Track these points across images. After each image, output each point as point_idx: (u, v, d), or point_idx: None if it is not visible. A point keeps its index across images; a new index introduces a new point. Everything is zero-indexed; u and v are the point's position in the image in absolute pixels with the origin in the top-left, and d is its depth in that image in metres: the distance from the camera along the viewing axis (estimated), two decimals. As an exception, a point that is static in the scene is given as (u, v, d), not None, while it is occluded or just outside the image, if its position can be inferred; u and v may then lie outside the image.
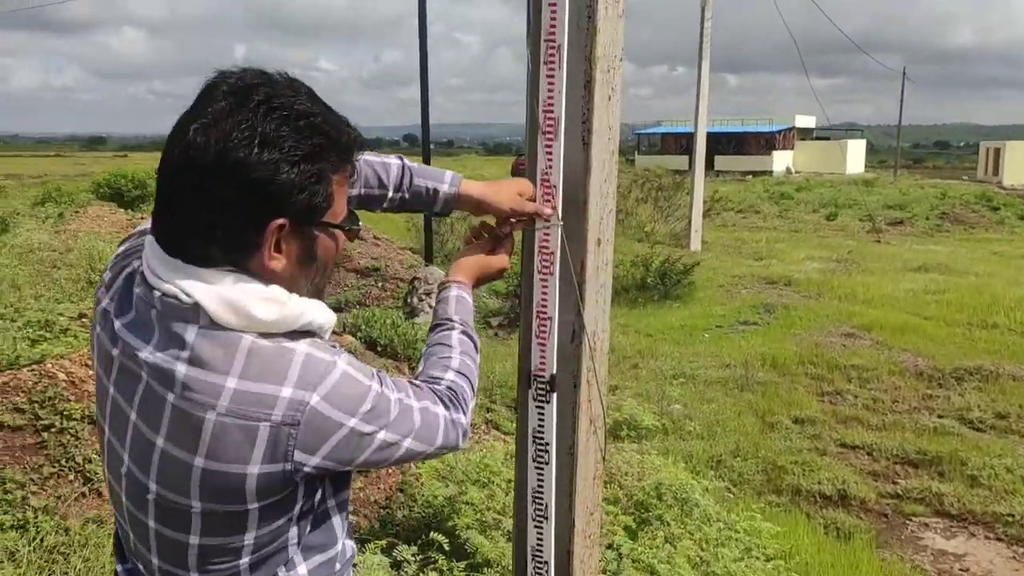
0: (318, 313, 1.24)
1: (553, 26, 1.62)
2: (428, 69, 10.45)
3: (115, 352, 1.22)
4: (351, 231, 1.30)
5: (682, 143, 48.55)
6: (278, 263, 1.18)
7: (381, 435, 1.22)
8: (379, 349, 7.17)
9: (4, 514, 3.66)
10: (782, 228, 23.03)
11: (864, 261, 16.22)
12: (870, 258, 16.69)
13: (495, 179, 1.79)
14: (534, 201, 1.69)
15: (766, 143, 53.58)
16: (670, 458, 6.15)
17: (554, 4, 1.61)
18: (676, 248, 16.20)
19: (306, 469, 1.16)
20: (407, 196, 1.63)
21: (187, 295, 1.14)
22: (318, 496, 1.27)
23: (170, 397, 1.14)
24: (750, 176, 44.74)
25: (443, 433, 1.34)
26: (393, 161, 1.63)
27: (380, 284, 10.42)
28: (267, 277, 1.19)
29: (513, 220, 1.66)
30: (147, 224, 1.38)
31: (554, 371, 1.75)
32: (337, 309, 9.24)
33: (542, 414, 1.78)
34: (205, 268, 1.16)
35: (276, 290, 1.19)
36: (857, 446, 6.63)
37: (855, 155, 54.66)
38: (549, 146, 1.66)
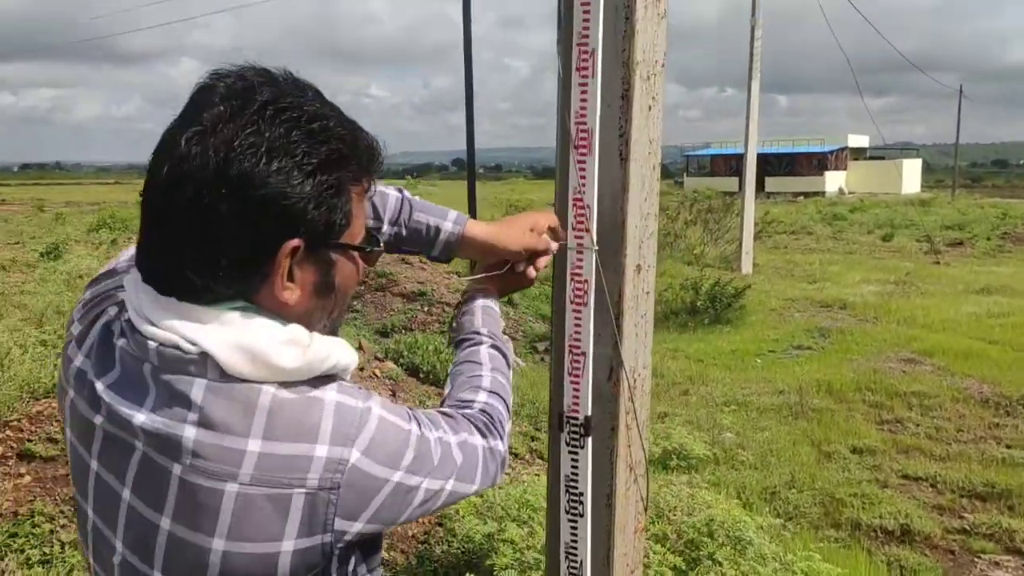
0: (343, 354, 1.07)
1: (586, 28, 1.45)
2: (474, 95, 10.34)
3: (98, 420, 1.02)
4: (371, 253, 1.12)
5: (732, 164, 48.03)
6: (291, 294, 1.01)
7: (425, 484, 1.08)
8: (421, 376, 7.03)
9: (32, 548, 3.58)
10: (836, 250, 22.49)
11: (923, 283, 15.72)
12: (929, 280, 16.17)
13: (542, 205, 1.62)
14: (556, 232, 1.54)
15: (818, 163, 52.80)
16: (722, 491, 5.91)
17: (587, 4, 1.44)
18: (726, 271, 15.91)
19: (347, 538, 1.01)
20: (404, 232, 1.47)
21: (191, 343, 0.97)
22: (351, 565, 1.10)
23: (176, 469, 0.96)
24: (802, 197, 44.03)
25: (482, 467, 1.19)
26: (391, 192, 1.47)
27: (426, 309, 10.31)
28: (279, 312, 1.02)
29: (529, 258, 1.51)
30: (117, 262, 1.22)
31: (588, 412, 1.57)
32: (383, 334, 9.14)
33: (576, 460, 1.59)
34: (208, 307, 0.99)
35: (296, 330, 1.01)
36: (920, 477, 6.30)
37: (911, 175, 53.51)
38: (582, 162, 1.49)
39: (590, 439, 1.58)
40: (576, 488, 1.60)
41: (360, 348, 7.18)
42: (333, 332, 1.12)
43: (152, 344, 0.98)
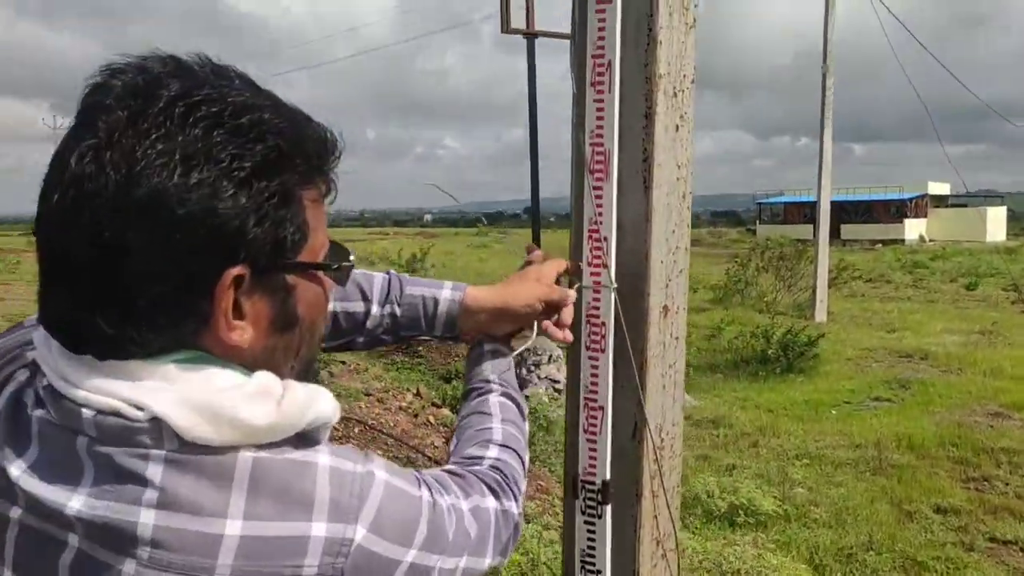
0: (325, 403, 0.86)
1: (602, 38, 1.28)
2: (538, 143, 10.31)
3: (14, 513, 0.80)
4: (340, 270, 0.92)
5: (806, 212, 47.11)
6: (242, 334, 0.81)
7: (440, 563, 0.91)
8: (476, 424, 6.83)
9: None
10: (916, 298, 21.68)
11: (1010, 334, 14.98)
12: (1017, 330, 15.40)
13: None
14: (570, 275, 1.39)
15: (897, 211, 51.49)
16: (792, 550, 5.57)
17: (602, 10, 1.27)
18: (800, 319, 15.46)
19: None
20: (398, 311, 1.29)
21: (136, 407, 0.76)
22: None
23: (128, 567, 0.74)
24: (879, 245, 42.85)
25: (494, 536, 1.02)
26: (377, 273, 1.31)
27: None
28: (232, 358, 0.82)
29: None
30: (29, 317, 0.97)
31: (607, 477, 1.36)
32: (447, 380, 9.00)
33: (592, 533, 1.39)
34: (143, 361, 0.79)
35: (264, 377, 0.83)
36: (1009, 541, 5.87)
37: (996, 222, 51.72)
38: (599, 188, 1.31)
39: (609, 508, 1.37)
40: (593, 565, 1.39)
41: (418, 394, 7.05)
42: (307, 374, 0.92)
43: (87, 413, 0.77)
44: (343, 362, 6.71)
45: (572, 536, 1.41)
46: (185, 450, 0.76)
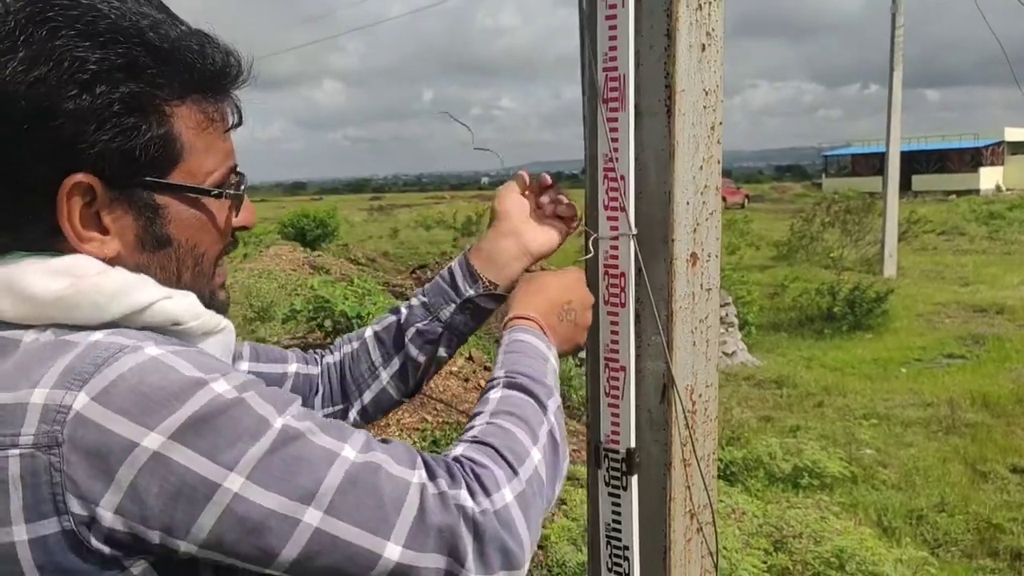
0: (144, 293, 0.80)
1: (613, -55, 1.11)
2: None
3: None
4: (222, 199, 0.88)
5: (874, 164, 45.62)
6: (100, 247, 0.81)
7: (231, 483, 0.72)
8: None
9: None
10: (992, 251, 20.82)
11: (1094, 286, 14.33)
12: (1101, 282, 14.73)
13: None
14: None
15: (972, 159, 49.47)
16: (858, 513, 5.39)
17: (612, -88, 1.11)
18: (867, 274, 15.01)
19: (103, 528, 0.70)
20: (425, 299, 1.23)
21: None
22: None
23: None
24: (953, 196, 41.29)
25: (416, 514, 0.78)
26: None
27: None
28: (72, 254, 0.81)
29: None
30: None
31: (632, 444, 1.22)
32: (499, 343, 8.93)
33: (617, 506, 1.24)
34: None
35: (78, 259, 0.80)
36: (1089, 501, 5.61)
37: (1080, 169, 49.43)
38: (614, 120, 1.15)
39: (635, 479, 1.23)
40: (619, 541, 1.25)
41: (470, 358, 6.97)
42: (208, 304, 0.88)
43: None
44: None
45: (596, 509, 1.28)
46: None
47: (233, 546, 0.73)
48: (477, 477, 0.84)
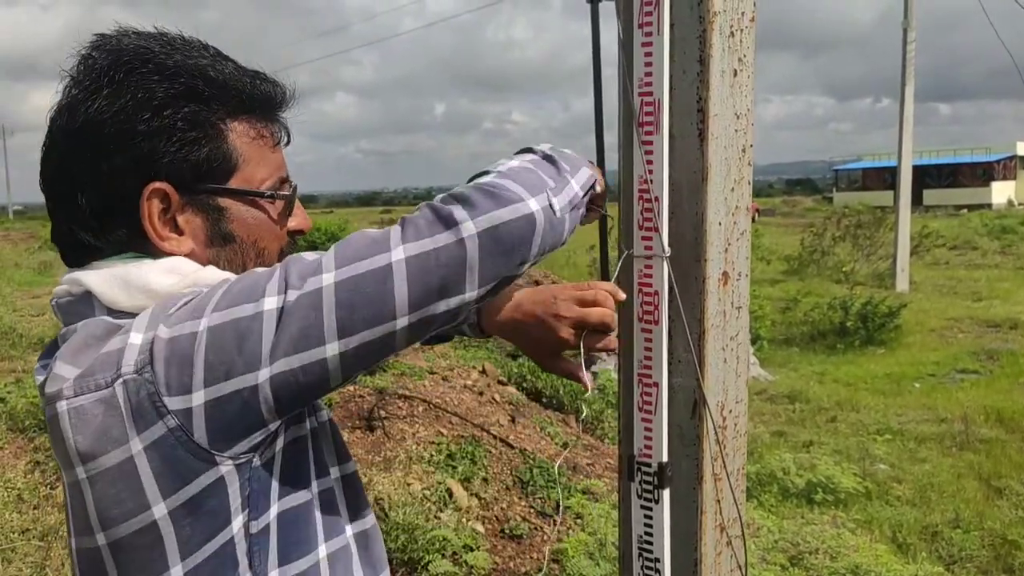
0: None
1: (648, -24, 1.15)
2: (603, 114, 10.13)
3: None
4: (275, 200, 1.04)
5: (885, 177, 45.51)
6: (177, 245, 0.98)
7: (268, 302, 0.87)
8: (544, 401, 6.77)
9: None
10: (1005, 265, 20.73)
11: (1108, 301, 14.24)
12: (1115, 297, 14.64)
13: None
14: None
15: (983, 173, 49.30)
16: (874, 529, 5.38)
17: (648, -56, 1.15)
18: (879, 289, 14.96)
19: (201, 415, 0.86)
20: None
21: (79, 285, 0.96)
22: (273, 489, 0.94)
23: (47, 412, 0.93)
24: (965, 210, 41.13)
25: (401, 230, 0.92)
26: None
27: (556, 331, 10.05)
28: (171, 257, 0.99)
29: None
30: None
31: (664, 459, 1.25)
32: (514, 357, 8.95)
33: (649, 518, 1.27)
34: (101, 260, 0.98)
35: (179, 261, 0.97)
36: (1106, 519, 5.55)
37: (1092, 183, 49.15)
38: (648, 143, 1.19)
39: (667, 492, 1.25)
40: (651, 553, 1.27)
41: (483, 371, 7.00)
42: None
43: (55, 300, 1.00)
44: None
45: (629, 521, 1.30)
46: (107, 313, 0.94)
47: (296, 344, 0.86)
48: (471, 196, 0.95)
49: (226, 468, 0.88)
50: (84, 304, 0.96)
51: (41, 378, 0.95)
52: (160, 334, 0.87)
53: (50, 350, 0.99)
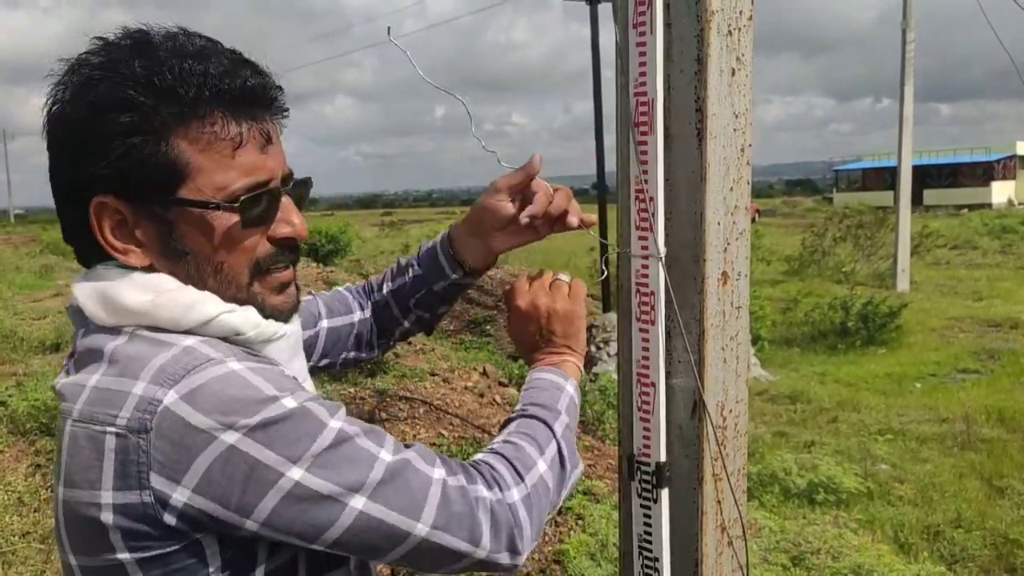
0: (210, 306, 0.94)
1: (644, -25, 1.15)
2: (603, 114, 10.15)
3: None
4: (220, 208, 0.94)
5: (885, 178, 45.48)
6: (137, 258, 0.95)
7: (295, 473, 0.85)
8: (544, 402, 6.75)
9: None
10: (1005, 265, 20.72)
11: (1107, 300, 14.23)
12: (1115, 297, 14.63)
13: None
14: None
15: (984, 173, 49.26)
16: (875, 529, 5.37)
17: (644, -57, 1.14)
18: (880, 289, 14.95)
19: (177, 506, 0.84)
20: (419, 270, 1.38)
21: (73, 296, 0.98)
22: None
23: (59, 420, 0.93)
24: (965, 210, 41.11)
25: (437, 504, 0.93)
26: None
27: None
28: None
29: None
30: None
31: (662, 459, 1.24)
32: (514, 359, 8.95)
33: (648, 517, 1.27)
34: (103, 265, 0.98)
35: (159, 278, 0.95)
36: (1107, 518, 5.54)
37: (1092, 183, 49.11)
38: (643, 143, 1.18)
39: (665, 492, 1.25)
40: (651, 552, 1.27)
41: (484, 373, 7.00)
42: (260, 310, 1.00)
43: (70, 306, 1.01)
44: (409, 342, 6.69)
45: (629, 520, 1.30)
46: (94, 328, 0.94)
47: (289, 525, 0.86)
48: (492, 476, 1.01)
49: (198, 537, 0.88)
50: (80, 316, 0.97)
51: (59, 381, 0.96)
52: (168, 403, 0.84)
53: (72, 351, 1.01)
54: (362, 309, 1.42)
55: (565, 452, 1.12)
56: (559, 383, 1.20)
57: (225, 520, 0.85)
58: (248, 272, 0.99)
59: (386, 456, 0.92)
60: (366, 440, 0.92)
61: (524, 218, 1.24)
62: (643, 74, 1.17)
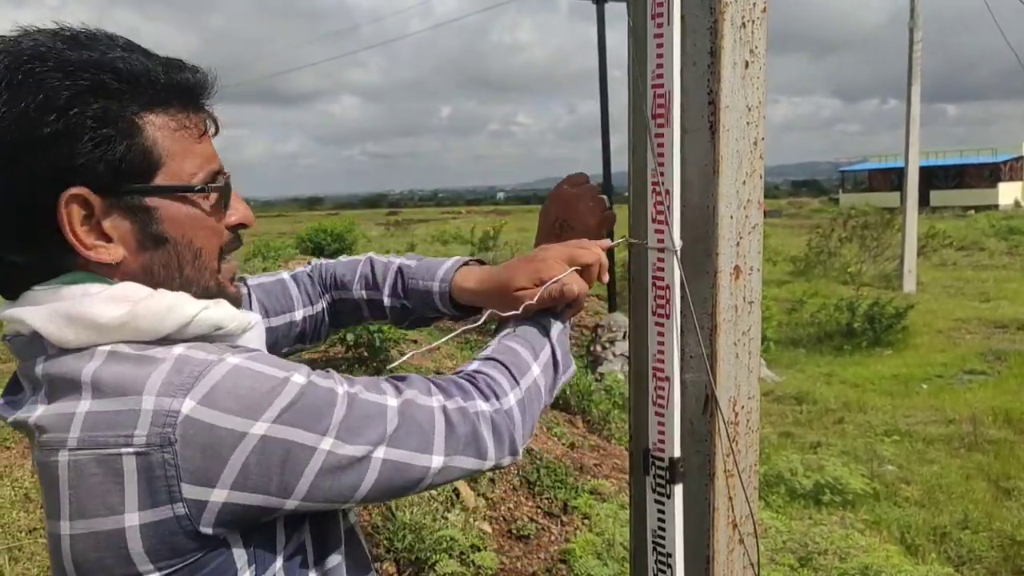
0: (188, 307, 0.92)
1: (659, -33, 1.14)
2: (608, 115, 10.14)
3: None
4: (208, 191, 0.97)
5: (892, 179, 45.37)
6: (109, 253, 0.91)
7: (325, 444, 0.88)
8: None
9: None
10: (1012, 266, 20.65)
11: (1117, 301, 14.17)
12: (1124, 298, 14.57)
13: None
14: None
15: (990, 174, 49.12)
16: (882, 530, 5.36)
17: (659, -65, 1.14)
18: (886, 290, 14.92)
19: (215, 509, 0.84)
20: (408, 303, 1.33)
21: (24, 324, 0.90)
22: (277, 563, 0.94)
23: (37, 453, 0.88)
24: (972, 211, 40.99)
25: (442, 431, 0.99)
26: (394, 260, 1.36)
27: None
28: (113, 276, 0.93)
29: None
30: None
31: (676, 454, 1.24)
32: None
33: (662, 512, 1.26)
34: (45, 286, 0.91)
35: (126, 287, 0.91)
36: (1114, 519, 5.52)
37: (1100, 184, 48.92)
38: (660, 136, 1.18)
39: (679, 488, 1.25)
40: (663, 548, 1.27)
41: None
42: (211, 294, 0.99)
43: (6, 339, 0.94)
44: (414, 340, 6.69)
45: (643, 514, 1.30)
46: (57, 353, 0.88)
47: (327, 492, 0.89)
48: (488, 386, 1.06)
49: (233, 539, 0.89)
50: (36, 345, 0.91)
51: (13, 416, 0.91)
52: (187, 411, 0.83)
53: (14, 385, 0.96)
54: (310, 303, 1.36)
55: (559, 355, 1.19)
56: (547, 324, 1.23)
57: (265, 507, 0.87)
58: (217, 258, 1.01)
59: (392, 401, 0.96)
60: (369, 394, 0.95)
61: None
62: (660, 66, 1.16)
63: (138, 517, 0.82)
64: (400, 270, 1.33)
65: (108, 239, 0.91)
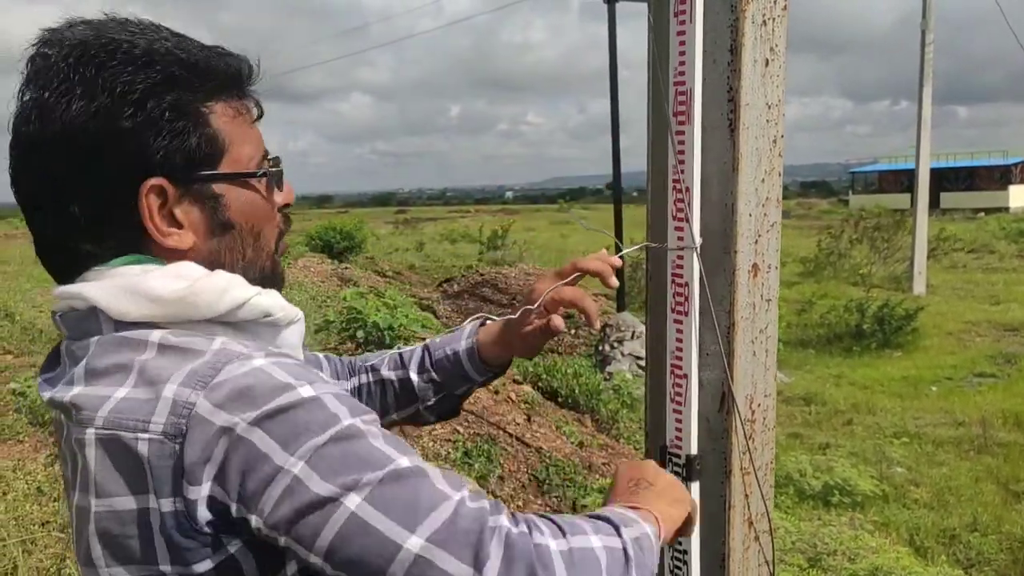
0: (241, 290, 0.93)
1: (681, -35, 1.15)
2: (619, 115, 10.13)
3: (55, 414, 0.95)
4: (269, 179, 1.01)
5: (902, 180, 45.18)
6: (180, 239, 0.93)
7: (292, 465, 0.79)
8: (559, 400, 6.77)
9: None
10: (1022, 269, 20.55)
11: None
12: None
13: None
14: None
15: (1001, 177, 48.88)
16: (891, 532, 5.35)
17: (681, -67, 1.14)
18: (896, 292, 14.86)
19: (203, 505, 0.82)
20: (437, 376, 1.33)
21: (82, 299, 0.91)
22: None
23: (70, 432, 0.88)
24: (982, 214, 40.82)
25: (445, 516, 0.81)
26: (416, 347, 1.38)
27: (573, 332, 10.09)
28: (168, 260, 0.94)
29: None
30: None
31: (693, 451, 1.24)
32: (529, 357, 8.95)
33: (678, 511, 1.27)
34: (101, 267, 0.93)
35: (183, 265, 0.93)
36: (1125, 523, 5.49)
37: (1110, 187, 48.64)
38: (681, 133, 1.18)
39: (695, 485, 1.25)
40: (679, 544, 1.27)
41: (499, 371, 7.01)
42: (267, 282, 1.00)
43: (56, 315, 0.95)
44: (422, 338, 6.70)
45: (655, 515, 1.30)
46: (116, 330, 0.89)
47: (287, 524, 0.80)
48: (525, 519, 0.88)
49: (235, 547, 0.84)
50: (90, 320, 0.91)
51: (49, 394, 0.92)
52: (199, 405, 0.82)
53: (52, 362, 0.98)
54: (336, 380, 1.35)
55: (631, 552, 0.93)
56: (637, 517, 1.00)
57: (237, 516, 0.82)
58: (275, 239, 1.04)
59: (402, 462, 0.83)
60: (383, 442, 0.84)
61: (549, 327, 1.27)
62: (682, 63, 1.16)
63: (157, 502, 0.82)
64: (426, 347, 1.35)
65: (179, 226, 0.94)
